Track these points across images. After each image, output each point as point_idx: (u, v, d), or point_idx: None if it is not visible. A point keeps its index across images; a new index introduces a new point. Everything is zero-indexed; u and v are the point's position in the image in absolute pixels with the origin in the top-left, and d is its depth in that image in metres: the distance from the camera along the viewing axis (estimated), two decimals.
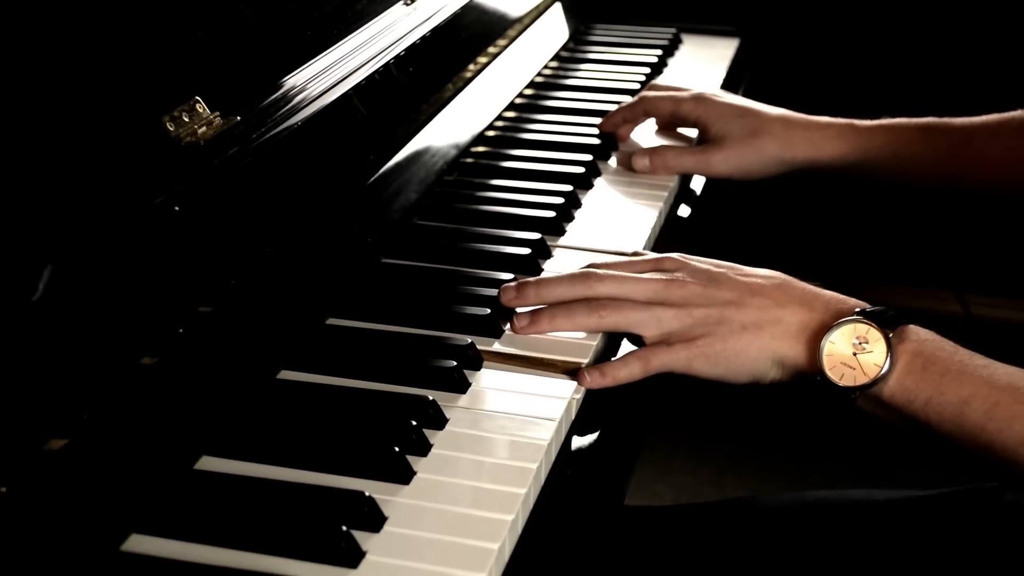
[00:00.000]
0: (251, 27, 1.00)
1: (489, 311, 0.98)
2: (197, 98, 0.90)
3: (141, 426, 0.75)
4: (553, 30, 1.70)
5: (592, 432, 0.91)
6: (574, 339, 0.97)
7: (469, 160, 1.30)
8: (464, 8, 1.37)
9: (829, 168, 1.31)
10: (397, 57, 1.18)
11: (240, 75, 0.97)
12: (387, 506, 0.76)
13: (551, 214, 1.18)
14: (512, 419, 0.87)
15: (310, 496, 0.76)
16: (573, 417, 0.91)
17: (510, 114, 1.44)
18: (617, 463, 0.94)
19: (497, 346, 0.97)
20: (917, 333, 0.93)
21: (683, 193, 1.34)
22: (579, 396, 0.91)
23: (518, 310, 1.00)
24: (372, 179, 1.09)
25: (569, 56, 1.68)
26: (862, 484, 1.07)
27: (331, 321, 0.97)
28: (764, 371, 0.97)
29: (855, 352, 0.92)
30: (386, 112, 1.15)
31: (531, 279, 1.01)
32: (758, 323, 0.96)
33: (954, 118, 1.29)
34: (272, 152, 0.95)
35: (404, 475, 0.78)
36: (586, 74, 1.61)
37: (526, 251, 1.10)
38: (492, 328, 0.98)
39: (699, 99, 1.34)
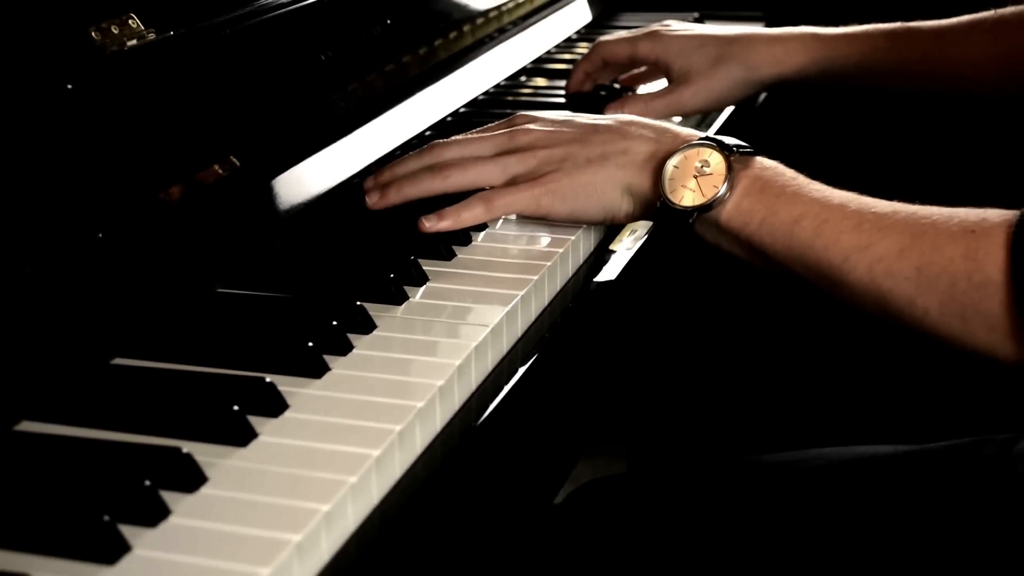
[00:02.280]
0: None
1: None
2: (131, 14, 0.89)
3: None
4: (572, 18, 1.69)
5: None
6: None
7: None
8: None
9: (797, 80, 1.28)
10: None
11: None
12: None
13: None
14: None
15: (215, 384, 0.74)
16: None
17: (505, 82, 1.43)
18: None
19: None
20: (762, 162, 0.92)
21: None
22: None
23: (368, 187, 1.01)
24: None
25: (578, 38, 1.65)
26: None
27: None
28: (614, 203, 0.96)
29: (695, 175, 0.91)
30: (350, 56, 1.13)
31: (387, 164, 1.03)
32: (604, 155, 0.96)
33: (923, 22, 1.25)
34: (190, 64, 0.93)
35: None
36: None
37: None
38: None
39: (654, 36, 1.30)
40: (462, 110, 1.30)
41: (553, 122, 1.00)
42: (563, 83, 1.38)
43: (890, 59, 1.25)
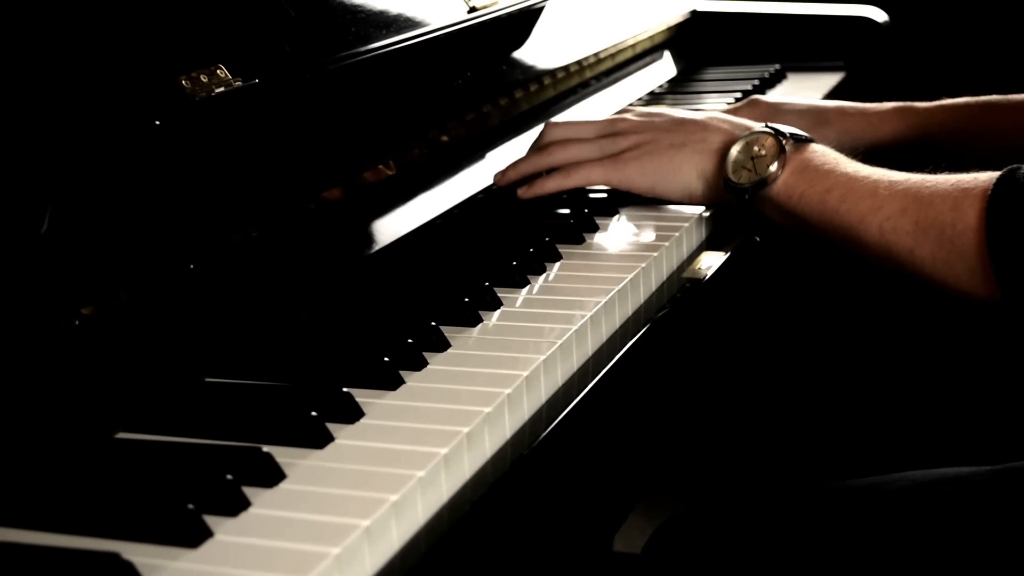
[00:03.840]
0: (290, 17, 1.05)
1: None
2: (220, 64, 0.95)
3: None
4: (657, 72, 1.73)
5: None
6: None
7: None
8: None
9: (892, 147, 1.31)
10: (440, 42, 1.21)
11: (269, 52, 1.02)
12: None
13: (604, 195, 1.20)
14: None
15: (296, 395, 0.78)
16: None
17: None
18: None
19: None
20: (813, 147, 1.05)
21: None
22: None
23: (495, 179, 1.19)
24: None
25: (663, 91, 1.69)
26: None
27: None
28: (690, 183, 1.12)
29: (754, 158, 1.05)
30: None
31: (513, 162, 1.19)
32: (684, 142, 1.11)
33: (1017, 94, 1.28)
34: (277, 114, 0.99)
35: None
36: (673, 100, 1.62)
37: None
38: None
39: (753, 103, 1.37)
40: None
41: (648, 114, 1.17)
42: None
43: (985, 127, 1.29)
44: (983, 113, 1.28)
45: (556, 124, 1.19)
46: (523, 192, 1.16)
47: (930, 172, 0.98)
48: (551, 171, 1.17)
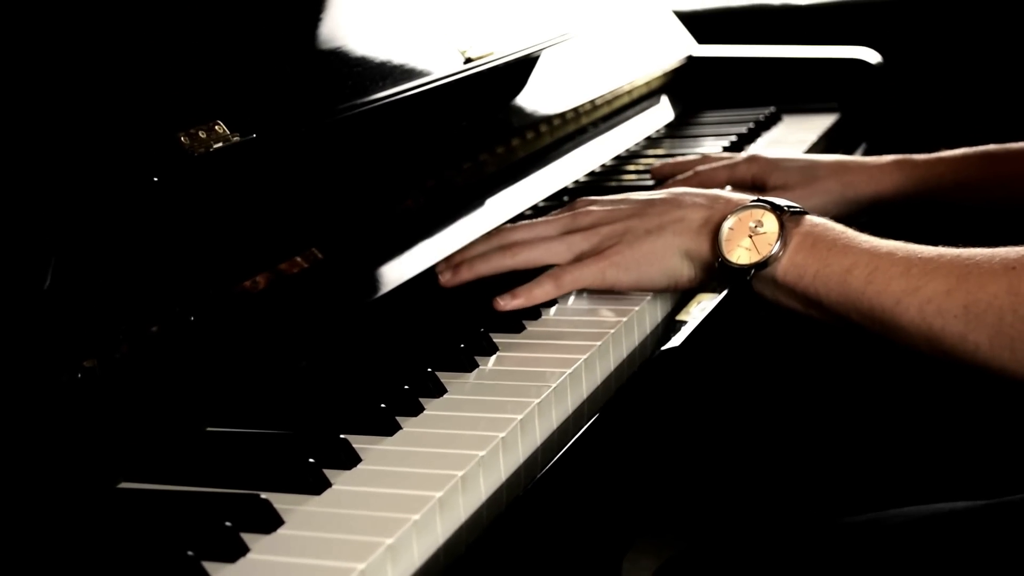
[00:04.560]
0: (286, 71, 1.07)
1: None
2: (218, 120, 0.97)
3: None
4: (655, 117, 1.75)
5: None
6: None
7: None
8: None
9: (894, 201, 1.32)
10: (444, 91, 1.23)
11: (267, 107, 1.04)
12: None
13: None
14: None
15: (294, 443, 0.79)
16: None
17: (584, 179, 1.50)
18: None
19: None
20: (811, 219, 0.98)
21: None
22: None
23: (440, 269, 1.08)
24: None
25: (661, 136, 1.72)
26: None
27: None
28: (676, 269, 1.03)
29: (751, 235, 0.98)
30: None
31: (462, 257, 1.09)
32: (661, 225, 1.02)
33: (1016, 143, 1.29)
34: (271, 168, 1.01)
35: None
36: (671, 144, 1.64)
37: None
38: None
39: (752, 159, 1.37)
40: (541, 204, 1.36)
41: (612, 201, 1.08)
42: (648, 180, 1.45)
43: (986, 178, 1.30)
44: (983, 164, 1.29)
45: (513, 226, 1.10)
46: (505, 305, 1.01)
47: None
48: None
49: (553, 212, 1.12)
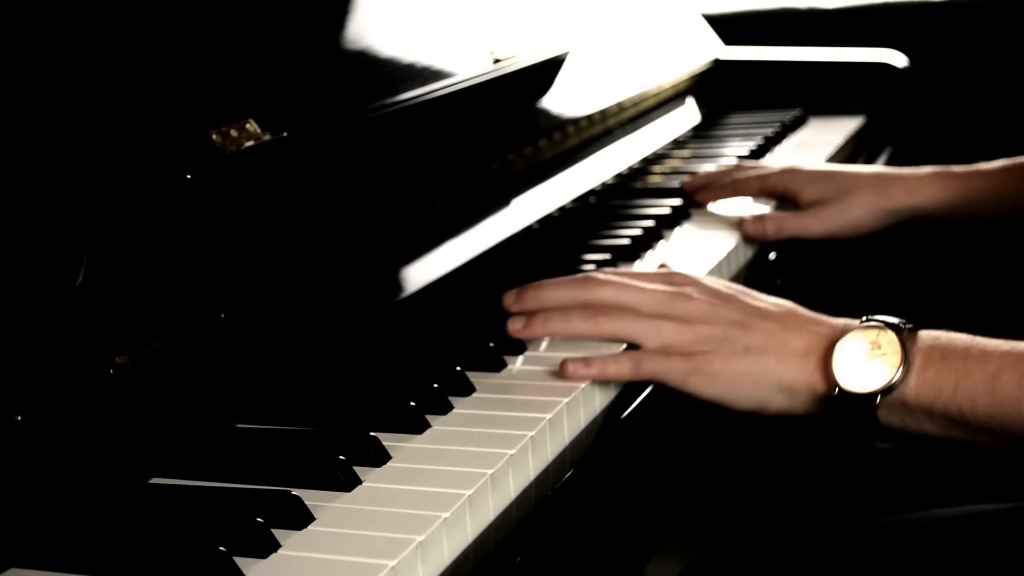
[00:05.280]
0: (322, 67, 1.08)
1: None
2: (249, 119, 0.98)
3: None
4: (681, 119, 1.75)
5: None
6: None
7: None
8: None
9: (933, 214, 1.31)
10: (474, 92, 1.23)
11: (298, 106, 1.04)
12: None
13: (627, 242, 1.22)
14: None
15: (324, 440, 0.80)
16: None
17: (612, 180, 1.50)
18: None
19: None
20: (929, 333, 0.90)
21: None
22: None
23: (509, 306, 0.99)
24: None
25: (687, 138, 1.72)
26: None
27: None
28: (767, 398, 0.93)
29: (869, 358, 0.88)
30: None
31: (533, 283, 1.00)
32: (763, 346, 0.92)
33: None
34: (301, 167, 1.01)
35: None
36: (697, 146, 1.64)
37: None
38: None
39: (785, 171, 1.36)
40: (569, 206, 1.36)
41: (717, 294, 0.97)
42: (674, 182, 1.45)
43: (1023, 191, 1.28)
44: (1022, 176, 1.28)
45: (601, 280, 0.98)
46: (574, 371, 0.91)
47: None
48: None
49: (646, 273, 1.02)
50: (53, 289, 0.78)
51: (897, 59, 1.84)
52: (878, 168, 1.35)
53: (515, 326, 0.97)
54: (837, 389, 0.89)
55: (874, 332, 0.89)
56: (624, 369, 0.93)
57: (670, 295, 0.96)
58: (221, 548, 0.65)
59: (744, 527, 1.53)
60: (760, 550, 1.10)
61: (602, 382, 0.92)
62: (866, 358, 0.88)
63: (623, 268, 1.06)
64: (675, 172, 1.52)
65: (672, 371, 0.93)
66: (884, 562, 1.01)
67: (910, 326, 0.90)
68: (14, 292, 0.75)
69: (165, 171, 0.87)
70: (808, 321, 0.95)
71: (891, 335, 0.89)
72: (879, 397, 0.87)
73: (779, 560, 1.05)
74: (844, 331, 0.91)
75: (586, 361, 0.91)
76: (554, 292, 0.99)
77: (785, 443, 1.51)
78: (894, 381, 0.87)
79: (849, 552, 1.03)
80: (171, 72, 0.92)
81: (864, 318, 0.92)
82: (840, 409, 0.89)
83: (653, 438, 0.96)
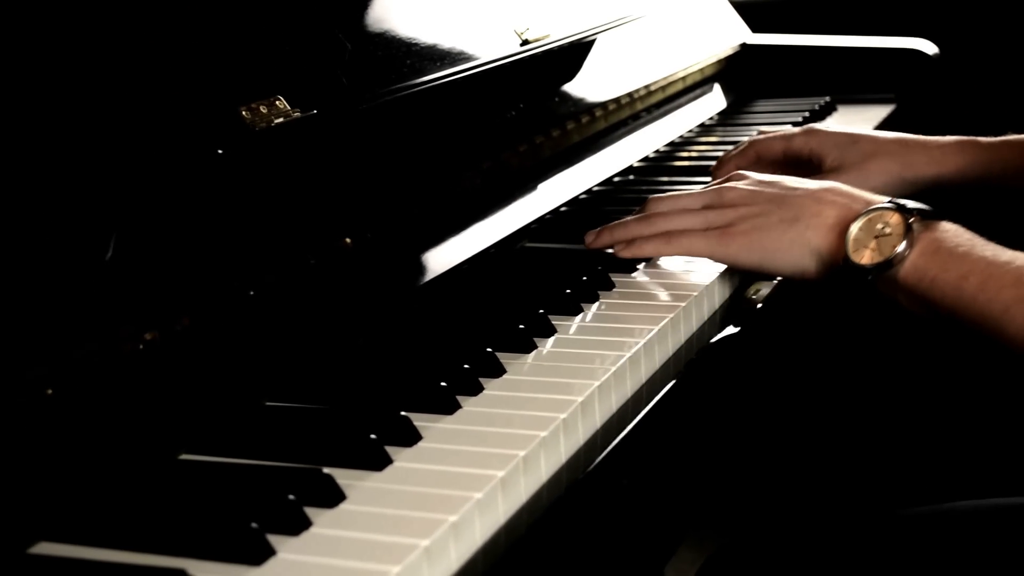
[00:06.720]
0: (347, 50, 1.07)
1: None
2: (279, 96, 0.97)
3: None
4: (708, 105, 1.74)
5: None
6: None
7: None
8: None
9: (954, 184, 1.28)
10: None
11: (327, 84, 1.04)
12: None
13: None
14: None
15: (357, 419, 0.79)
16: None
17: (638, 164, 1.49)
18: None
19: None
20: (944, 224, 0.97)
21: None
22: None
23: (589, 237, 1.12)
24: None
25: (714, 123, 1.71)
26: None
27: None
28: (802, 262, 1.02)
29: (876, 236, 0.97)
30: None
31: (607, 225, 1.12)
32: (796, 216, 1.02)
33: None
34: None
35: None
36: (724, 132, 1.63)
37: None
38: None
39: (809, 132, 1.32)
40: (596, 188, 1.35)
41: (759, 182, 1.08)
42: (702, 164, 1.44)
43: None
44: None
45: (660, 198, 1.11)
46: (620, 251, 1.08)
47: None
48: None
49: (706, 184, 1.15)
50: (83, 264, 0.77)
51: (927, 46, 1.82)
52: (903, 135, 1.30)
53: (588, 238, 1.11)
54: (844, 258, 0.98)
55: (889, 214, 0.98)
56: (657, 245, 1.07)
57: (717, 190, 1.08)
58: (253, 524, 0.64)
59: (767, 518, 1.52)
60: (782, 541, 1.09)
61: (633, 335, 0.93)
62: (873, 235, 0.97)
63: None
64: (702, 157, 1.51)
65: (706, 243, 1.05)
66: (907, 555, 1.00)
67: (931, 213, 0.98)
68: (44, 267, 0.75)
69: (196, 147, 0.86)
70: (843, 195, 1.04)
71: (899, 219, 0.97)
72: (873, 272, 0.97)
73: (801, 552, 1.05)
74: (866, 208, 1.00)
75: (628, 244, 1.08)
76: (627, 229, 1.10)
77: (804, 433, 1.50)
78: (886, 260, 0.96)
79: (871, 544, 1.02)
80: (201, 49, 0.91)
81: (889, 200, 1.00)
82: (842, 277, 0.99)
83: (680, 429, 0.94)
